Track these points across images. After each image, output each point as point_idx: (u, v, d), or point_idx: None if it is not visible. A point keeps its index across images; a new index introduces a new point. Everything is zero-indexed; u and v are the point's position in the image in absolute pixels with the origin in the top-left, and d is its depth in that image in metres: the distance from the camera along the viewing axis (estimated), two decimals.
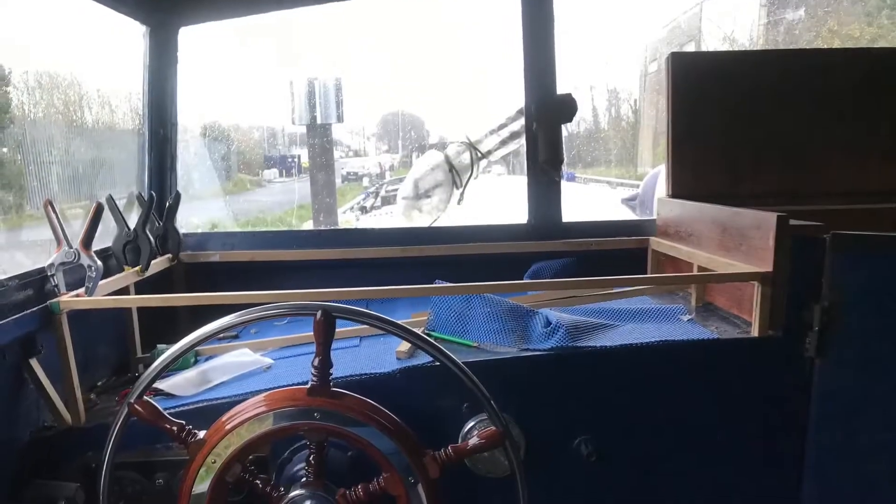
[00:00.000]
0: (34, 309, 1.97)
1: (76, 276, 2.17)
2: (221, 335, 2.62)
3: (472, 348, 2.19)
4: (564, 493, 2.13)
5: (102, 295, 2.21)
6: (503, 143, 3.30)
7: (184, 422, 1.77)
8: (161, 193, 2.96)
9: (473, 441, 1.77)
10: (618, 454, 2.11)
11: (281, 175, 9.61)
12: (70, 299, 2.05)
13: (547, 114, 3.00)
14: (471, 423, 2.02)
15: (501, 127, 3.30)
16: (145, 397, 1.77)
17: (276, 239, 3.07)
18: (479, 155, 3.31)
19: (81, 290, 2.14)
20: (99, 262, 2.17)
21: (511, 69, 3.05)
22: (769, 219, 2.09)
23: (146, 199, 2.70)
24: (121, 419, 1.77)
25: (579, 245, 3.01)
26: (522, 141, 3.14)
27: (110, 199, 2.50)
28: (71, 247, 2.14)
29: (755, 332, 2.12)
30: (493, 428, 1.77)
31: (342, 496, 1.77)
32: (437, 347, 1.77)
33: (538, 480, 1.97)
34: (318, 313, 1.72)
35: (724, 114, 2.99)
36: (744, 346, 2.15)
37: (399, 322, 1.79)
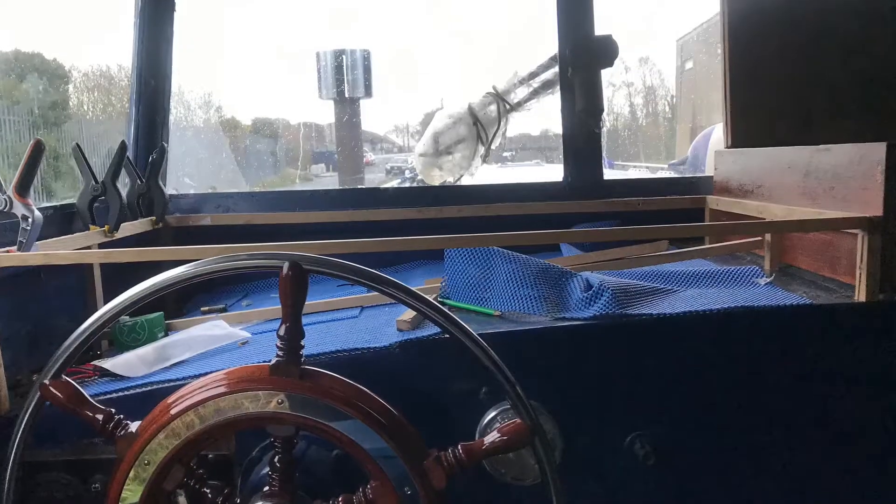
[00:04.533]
0: None
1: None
2: (206, 308, 2.21)
3: (493, 318, 1.68)
4: None
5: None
6: (534, 93, 2.77)
7: (112, 409, 1.30)
8: (149, 150, 2.52)
9: (492, 438, 1.27)
10: (684, 454, 1.62)
11: (328, 169, 9.40)
12: None
13: (584, 58, 2.55)
14: (491, 414, 1.54)
15: (532, 76, 2.78)
16: (66, 378, 1.30)
17: (277, 200, 2.63)
18: (508, 107, 2.79)
19: (13, 248, 1.66)
20: (38, 213, 1.70)
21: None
22: (875, 150, 1.60)
23: (118, 148, 2.21)
24: (31, 405, 1.31)
25: (625, 205, 2.52)
26: (556, 90, 2.62)
27: (76, 149, 2.07)
28: (3, 192, 1.66)
29: (860, 297, 1.62)
30: (519, 420, 1.26)
31: None
32: (441, 311, 1.28)
33: (579, 489, 1.50)
34: (285, 266, 1.22)
35: (790, 55, 2.51)
36: (847, 312, 1.64)
37: (395, 280, 1.28)
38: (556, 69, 2.68)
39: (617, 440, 1.60)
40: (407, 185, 8.50)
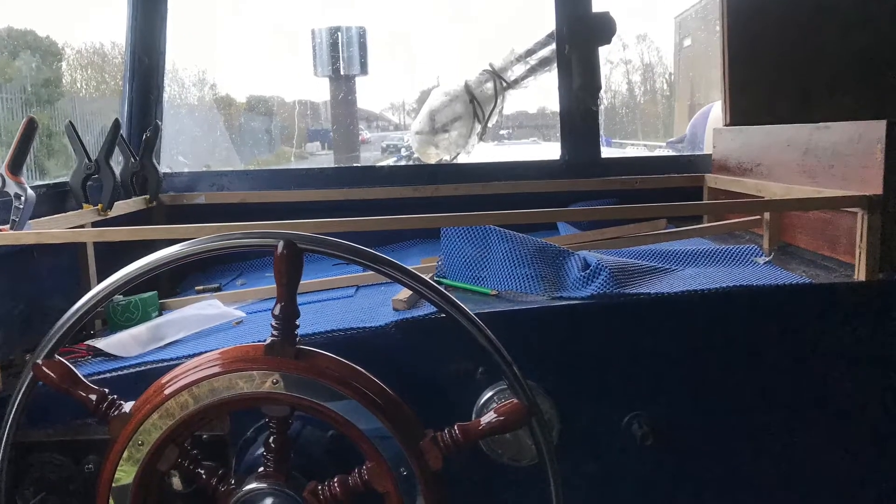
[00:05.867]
0: None
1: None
2: (201, 287, 2.18)
3: (490, 297, 1.66)
4: (611, 485, 1.61)
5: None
6: (531, 70, 2.73)
7: (106, 389, 1.27)
8: (143, 128, 2.46)
9: (488, 418, 1.25)
10: (682, 435, 1.59)
11: (323, 148, 9.24)
12: None
13: (581, 34, 2.49)
14: (488, 394, 1.51)
15: (529, 53, 2.73)
16: (59, 358, 1.28)
17: (272, 178, 2.58)
18: (505, 84, 2.75)
19: (6, 227, 1.63)
20: (30, 191, 1.67)
21: None
22: (875, 128, 1.57)
23: (112, 126, 2.18)
24: (24, 385, 1.29)
25: (622, 183, 2.48)
26: (553, 67, 2.57)
27: (69, 127, 2.03)
28: None
29: (860, 276, 1.59)
30: (515, 401, 1.25)
31: (312, 493, 1.25)
32: (437, 290, 1.25)
33: (576, 469, 1.49)
34: (280, 245, 1.20)
35: (790, 31, 2.44)
36: (846, 292, 1.60)
37: (391, 259, 1.26)
38: (554, 46, 2.62)
39: (614, 420, 1.57)
40: (403, 163, 8.48)
